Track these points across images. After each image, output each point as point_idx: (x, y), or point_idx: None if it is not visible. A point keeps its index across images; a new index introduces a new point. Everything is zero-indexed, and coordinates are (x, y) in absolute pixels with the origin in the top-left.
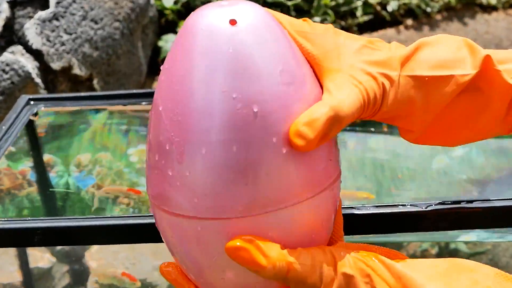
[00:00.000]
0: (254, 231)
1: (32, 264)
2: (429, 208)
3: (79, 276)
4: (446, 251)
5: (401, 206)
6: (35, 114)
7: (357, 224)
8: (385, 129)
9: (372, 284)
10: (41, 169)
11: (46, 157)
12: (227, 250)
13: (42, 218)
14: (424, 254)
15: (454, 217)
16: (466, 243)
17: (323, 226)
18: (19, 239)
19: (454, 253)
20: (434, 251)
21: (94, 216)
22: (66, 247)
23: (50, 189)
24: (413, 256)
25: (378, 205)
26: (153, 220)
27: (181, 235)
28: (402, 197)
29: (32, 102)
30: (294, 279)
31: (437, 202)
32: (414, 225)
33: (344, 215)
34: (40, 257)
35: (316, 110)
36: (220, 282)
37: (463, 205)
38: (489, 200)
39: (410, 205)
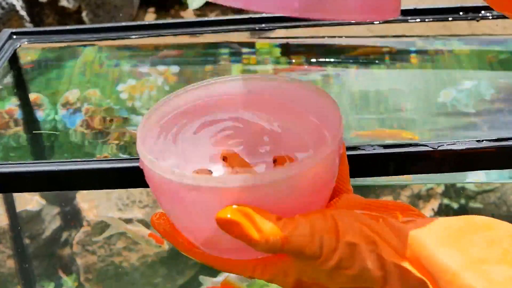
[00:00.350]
0: (250, 198)
1: (20, 207)
2: (440, 148)
3: (70, 218)
4: (453, 189)
5: (411, 146)
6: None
7: (363, 166)
8: (387, 59)
9: (377, 252)
10: (27, 108)
11: (33, 95)
12: (218, 221)
13: (30, 162)
14: (429, 193)
15: (467, 158)
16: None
17: (326, 187)
18: (6, 185)
19: (461, 192)
20: (440, 189)
21: (85, 160)
22: None
23: (36, 131)
24: (418, 196)
25: (385, 144)
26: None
27: (175, 200)
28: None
29: (14, 37)
30: (291, 251)
31: (450, 142)
32: (424, 166)
33: (350, 156)
34: (29, 200)
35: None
36: (216, 239)
37: (476, 145)
38: (504, 139)
39: (421, 144)
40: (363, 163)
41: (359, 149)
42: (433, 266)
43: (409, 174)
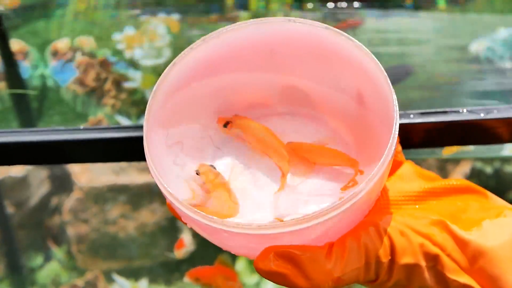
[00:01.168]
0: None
1: (2, 173)
2: (490, 116)
3: (61, 183)
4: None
5: (454, 113)
6: None
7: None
8: (409, 1)
9: (438, 268)
10: (10, 59)
11: (18, 44)
12: (259, 271)
13: (15, 130)
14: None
15: None
16: None
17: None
18: None
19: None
20: (489, 168)
21: (79, 128)
22: None
23: (23, 91)
24: (446, 158)
25: (423, 111)
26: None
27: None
28: (439, 94)
29: None
30: (345, 285)
31: (500, 108)
32: (472, 136)
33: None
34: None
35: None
36: None
37: None
38: None
39: (467, 111)
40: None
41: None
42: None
43: (448, 145)
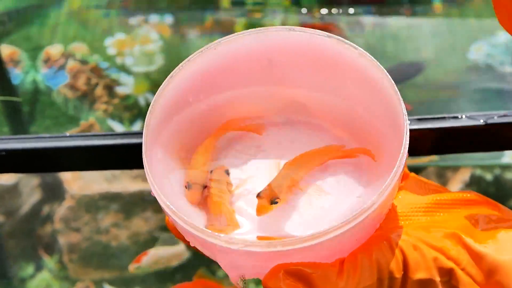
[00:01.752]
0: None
1: None
2: (490, 121)
3: (52, 191)
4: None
5: (452, 119)
6: None
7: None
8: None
9: (453, 283)
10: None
11: (9, 49)
12: None
13: (6, 137)
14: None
15: None
16: None
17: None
18: None
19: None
20: (489, 175)
21: (71, 136)
22: None
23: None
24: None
25: (421, 117)
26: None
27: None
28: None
29: None
30: None
31: (501, 113)
32: (470, 143)
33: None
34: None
35: None
36: None
37: None
38: None
39: (466, 117)
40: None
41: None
42: None
43: (446, 153)
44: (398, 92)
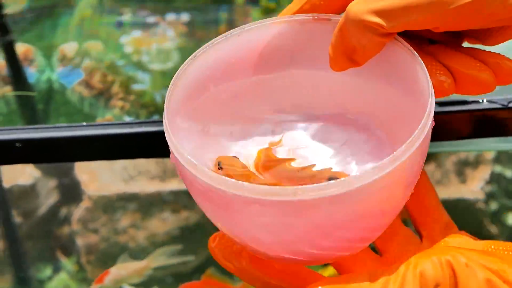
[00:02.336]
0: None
1: (10, 181)
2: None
3: (70, 192)
4: (506, 154)
5: (473, 103)
6: None
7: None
8: None
9: None
10: (16, 63)
11: (23, 47)
12: None
13: (19, 127)
14: (478, 159)
15: None
16: None
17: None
18: None
19: None
20: (490, 154)
21: (86, 124)
22: None
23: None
24: (465, 162)
25: (442, 101)
26: (157, 129)
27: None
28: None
29: None
30: None
31: None
32: (491, 128)
33: None
34: (20, 172)
35: None
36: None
37: None
38: None
39: (487, 101)
40: None
41: None
42: None
43: (466, 138)
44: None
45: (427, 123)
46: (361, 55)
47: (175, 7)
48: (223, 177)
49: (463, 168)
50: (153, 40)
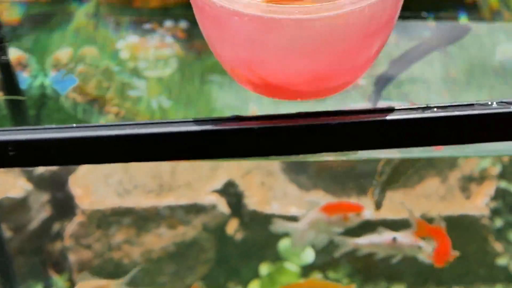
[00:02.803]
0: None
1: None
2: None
3: (63, 206)
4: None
5: (481, 106)
6: None
7: (409, 132)
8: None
9: None
10: (8, 68)
11: (17, 53)
12: None
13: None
14: (483, 175)
15: None
16: None
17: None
18: None
19: None
20: (495, 170)
21: (81, 126)
22: (44, 171)
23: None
24: (469, 178)
25: (447, 104)
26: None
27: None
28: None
29: None
30: None
31: None
32: (499, 131)
33: (390, 121)
34: (11, 185)
35: None
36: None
37: None
38: None
39: (497, 103)
40: (405, 131)
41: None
42: None
43: (474, 142)
44: None
45: None
46: None
47: (173, 14)
48: None
49: (467, 183)
50: (150, 46)
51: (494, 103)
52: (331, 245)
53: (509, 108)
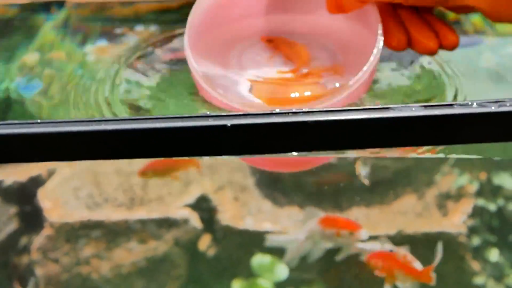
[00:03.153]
0: None
1: None
2: (502, 109)
3: (31, 220)
4: (488, 187)
5: (461, 106)
6: None
7: (393, 132)
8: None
9: None
10: None
11: None
12: None
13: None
14: (460, 193)
15: None
16: None
17: None
18: None
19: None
20: (472, 188)
21: (53, 121)
22: (13, 183)
23: None
24: (446, 195)
25: (427, 104)
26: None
27: None
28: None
29: None
30: None
31: None
32: (480, 132)
33: (369, 120)
34: None
35: None
36: None
37: None
38: None
39: (477, 104)
40: (392, 130)
41: (388, 109)
42: None
43: (456, 143)
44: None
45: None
46: (346, 9)
47: (144, 19)
48: None
49: (444, 201)
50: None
51: (475, 103)
52: (303, 262)
53: (490, 108)
